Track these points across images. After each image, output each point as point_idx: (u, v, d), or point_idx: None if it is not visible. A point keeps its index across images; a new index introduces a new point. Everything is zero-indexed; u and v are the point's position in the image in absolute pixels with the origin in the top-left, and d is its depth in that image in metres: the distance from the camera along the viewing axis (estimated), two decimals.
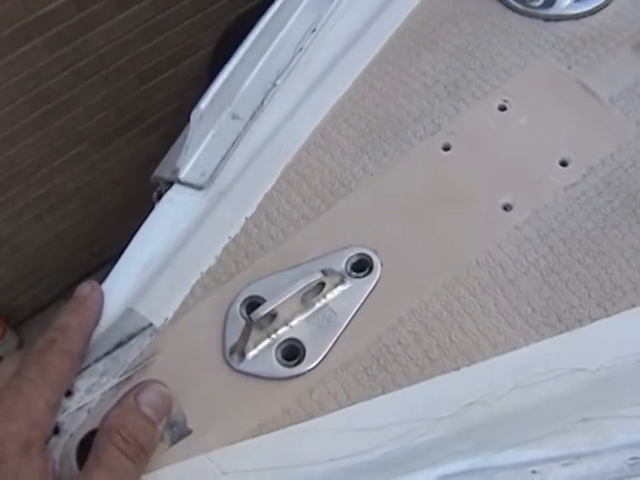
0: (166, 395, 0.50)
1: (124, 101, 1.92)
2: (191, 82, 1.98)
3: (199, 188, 0.62)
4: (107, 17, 1.74)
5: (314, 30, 0.72)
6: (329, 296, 0.54)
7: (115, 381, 0.52)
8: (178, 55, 1.94)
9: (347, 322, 0.53)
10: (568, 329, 0.52)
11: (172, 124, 1.95)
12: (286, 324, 0.53)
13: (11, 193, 1.88)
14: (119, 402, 0.49)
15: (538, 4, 0.70)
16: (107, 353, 0.53)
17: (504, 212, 0.58)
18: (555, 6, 0.69)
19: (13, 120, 1.75)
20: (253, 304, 0.53)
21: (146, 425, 0.48)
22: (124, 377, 0.52)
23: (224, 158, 0.64)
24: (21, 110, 1.75)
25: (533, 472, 0.46)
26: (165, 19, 1.84)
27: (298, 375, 0.51)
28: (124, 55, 1.84)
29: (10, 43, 1.62)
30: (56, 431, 0.50)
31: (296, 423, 0.50)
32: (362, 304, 0.54)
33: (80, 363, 0.53)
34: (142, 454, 0.48)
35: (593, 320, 0.52)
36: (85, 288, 0.56)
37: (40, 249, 2.05)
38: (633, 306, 0.52)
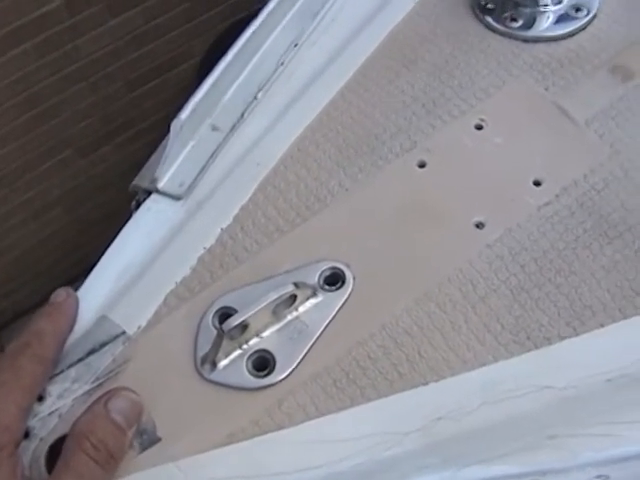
0: (136, 402, 0.50)
1: (112, 108, 1.92)
2: (180, 91, 1.98)
3: (177, 198, 0.63)
4: (98, 23, 1.74)
5: (296, 45, 0.73)
6: (301, 309, 0.55)
7: (87, 387, 0.53)
8: (167, 63, 1.94)
9: (318, 335, 0.54)
10: (537, 347, 0.52)
11: (160, 132, 1.94)
12: (257, 335, 0.53)
13: None
14: (89, 408, 0.49)
15: (517, 25, 0.71)
16: (80, 359, 0.54)
17: (477, 230, 0.58)
18: (534, 28, 0.70)
19: (0, 124, 1.75)
20: (225, 315, 0.54)
21: (115, 432, 0.48)
22: (96, 384, 0.53)
23: (203, 169, 0.64)
24: (9, 114, 1.75)
25: None
26: (155, 27, 1.84)
27: (268, 386, 0.52)
28: (114, 62, 1.84)
29: (0, 46, 1.62)
30: (26, 435, 0.50)
31: (265, 434, 0.50)
32: (333, 317, 0.54)
33: (53, 368, 0.53)
34: (111, 461, 0.48)
35: (562, 339, 0.53)
36: (60, 294, 0.56)
37: (24, 254, 2.04)
38: (602, 326, 0.53)
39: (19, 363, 0.50)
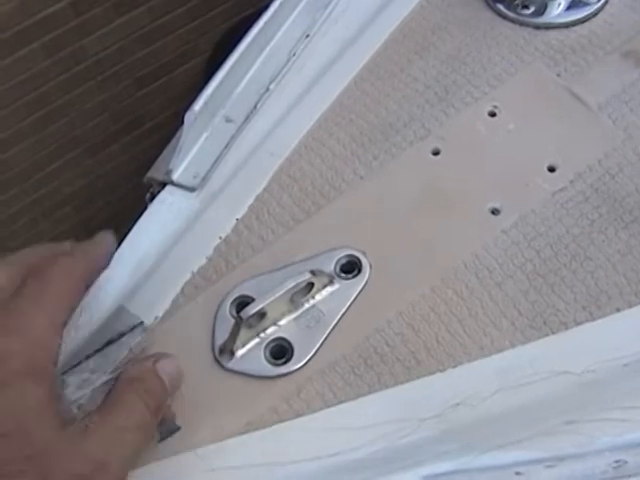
0: (180, 371, 0.50)
1: (120, 106, 1.92)
2: (187, 89, 1.98)
3: (192, 189, 0.63)
4: (104, 22, 1.74)
5: (308, 35, 0.73)
6: (318, 297, 0.55)
7: (105, 378, 0.52)
8: (174, 61, 1.94)
9: (335, 322, 0.54)
10: (553, 332, 0.52)
11: (168, 130, 1.94)
12: (275, 323, 0.53)
13: (6, 197, 1.87)
14: (137, 363, 0.48)
15: (529, 12, 0.71)
16: (98, 350, 0.54)
17: (492, 216, 0.58)
18: (546, 14, 0.70)
19: (10, 123, 1.75)
20: (243, 303, 0.54)
21: (161, 388, 0.48)
22: (115, 374, 0.53)
23: (217, 160, 0.64)
24: (18, 114, 1.75)
25: (517, 473, 0.46)
26: (161, 25, 1.84)
27: (286, 374, 0.52)
28: (121, 60, 1.84)
29: (8, 47, 1.62)
30: None
31: (284, 421, 0.50)
32: (350, 305, 0.54)
33: (83, 290, 0.50)
34: (157, 414, 0.47)
35: (578, 324, 0.52)
36: (98, 235, 0.53)
37: None
38: (618, 310, 0.53)
39: (48, 276, 0.46)
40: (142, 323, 0.55)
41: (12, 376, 0.41)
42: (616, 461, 0.46)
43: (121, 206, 2.07)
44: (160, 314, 0.55)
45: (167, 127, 1.98)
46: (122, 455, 0.44)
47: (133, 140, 2.02)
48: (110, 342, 0.54)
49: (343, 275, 0.56)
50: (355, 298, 0.55)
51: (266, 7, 0.71)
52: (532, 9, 0.71)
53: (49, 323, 0.44)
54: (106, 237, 0.53)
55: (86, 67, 1.80)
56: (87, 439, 0.42)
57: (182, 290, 0.57)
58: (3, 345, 0.42)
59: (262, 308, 0.51)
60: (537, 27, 0.70)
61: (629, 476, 0.46)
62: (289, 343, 0.53)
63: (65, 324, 0.46)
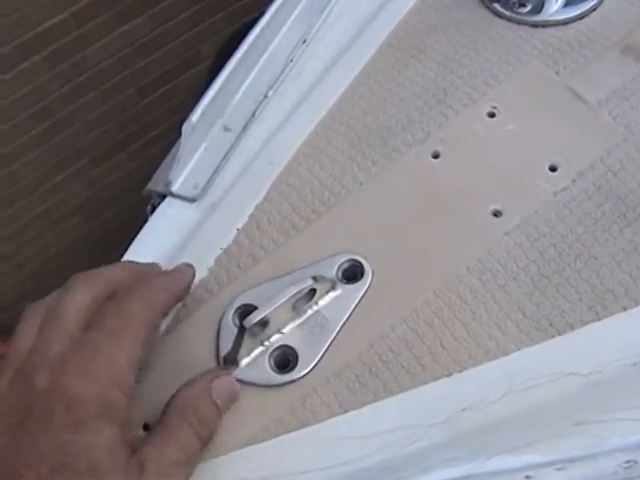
0: (236, 391, 0.50)
1: (125, 115, 1.93)
2: (191, 95, 1.98)
3: (191, 200, 0.63)
4: (106, 32, 1.75)
5: (305, 41, 0.73)
6: (321, 302, 0.54)
7: None
8: (177, 68, 1.95)
9: (339, 328, 0.53)
10: (559, 333, 0.52)
11: (174, 137, 1.95)
12: (278, 331, 0.53)
13: (13, 210, 1.88)
14: (193, 383, 0.48)
15: (525, 11, 0.70)
16: None
17: (494, 218, 0.58)
18: (543, 12, 0.70)
19: (14, 136, 1.75)
20: (245, 312, 0.53)
21: (215, 414, 0.48)
22: None
23: (216, 170, 0.64)
24: (22, 126, 1.76)
25: (527, 477, 0.46)
26: (163, 33, 1.84)
27: (292, 382, 0.52)
28: (123, 69, 1.84)
29: (10, 60, 1.62)
30: None
31: (289, 432, 0.50)
32: (353, 310, 0.54)
33: (160, 323, 0.50)
34: (207, 442, 0.47)
35: (584, 324, 0.52)
36: (180, 265, 0.54)
37: (42, 266, 2.04)
38: (624, 309, 0.52)
39: (127, 308, 0.47)
40: None
41: (89, 417, 0.42)
42: (627, 461, 0.46)
43: (130, 215, 2.07)
44: (162, 328, 0.55)
45: (173, 134, 1.98)
46: None
47: (139, 149, 2.02)
48: None
49: (345, 280, 0.56)
50: (358, 303, 0.54)
51: (263, 13, 0.71)
52: (529, 7, 0.70)
53: (126, 361, 0.45)
54: (186, 269, 0.54)
55: (89, 78, 1.80)
56: (146, 475, 0.43)
57: (184, 302, 0.56)
58: (81, 390, 0.42)
59: (265, 316, 0.51)
60: (534, 25, 0.70)
61: None
62: (293, 350, 0.53)
63: (141, 358, 0.46)
